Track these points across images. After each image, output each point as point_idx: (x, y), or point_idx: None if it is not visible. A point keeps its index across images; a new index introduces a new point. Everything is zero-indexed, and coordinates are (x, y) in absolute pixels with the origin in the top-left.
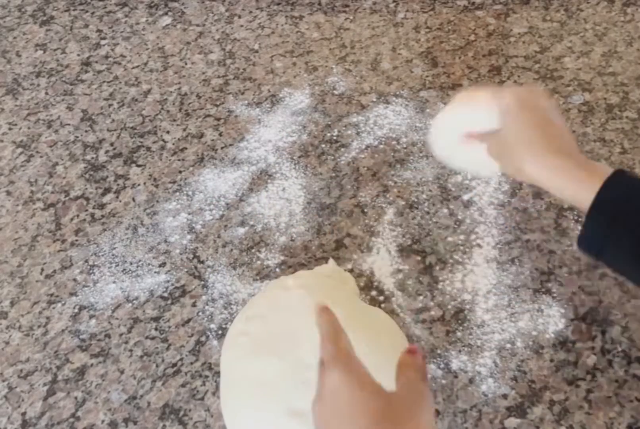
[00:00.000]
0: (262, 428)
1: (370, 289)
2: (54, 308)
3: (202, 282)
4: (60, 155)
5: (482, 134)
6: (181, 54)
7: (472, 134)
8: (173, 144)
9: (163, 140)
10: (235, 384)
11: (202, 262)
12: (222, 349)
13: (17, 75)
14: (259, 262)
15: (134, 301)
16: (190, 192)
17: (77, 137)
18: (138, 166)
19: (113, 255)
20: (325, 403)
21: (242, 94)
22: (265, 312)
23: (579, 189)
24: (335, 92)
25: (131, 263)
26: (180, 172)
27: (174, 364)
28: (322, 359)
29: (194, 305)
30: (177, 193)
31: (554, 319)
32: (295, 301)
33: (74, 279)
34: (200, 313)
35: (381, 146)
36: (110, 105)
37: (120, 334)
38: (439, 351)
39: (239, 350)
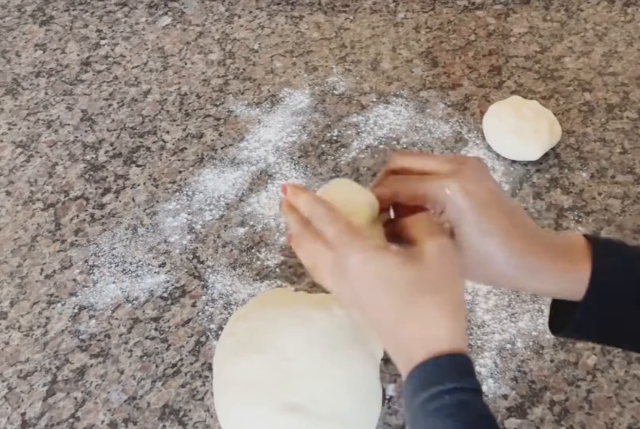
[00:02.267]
0: (258, 426)
1: None
2: (53, 308)
3: (202, 283)
4: (59, 155)
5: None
6: (181, 54)
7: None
8: (173, 144)
9: (163, 140)
10: (225, 385)
11: (202, 262)
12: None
13: (16, 75)
14: (258, 262)
15: (134, 301)
16: (190, 193)
17: (77, 137)
18: (138, 166)
19: (113, 255)
20: (350, 283)
21: (242, 94)
22: (248, 311)
23: (566, 286)
24: (335, 92)
25: (131, 263)
26: (180, 172)
27: (174, 365)
28: (332, 244)
29: (193, 305)
30: (177, 193)
31: None
32: (274, 295)
33: (74, 280)
34: (200, 313)
35: (381, 146)
36: (110, 105)
37: (120, 335)
38: None
39: (225, 352)
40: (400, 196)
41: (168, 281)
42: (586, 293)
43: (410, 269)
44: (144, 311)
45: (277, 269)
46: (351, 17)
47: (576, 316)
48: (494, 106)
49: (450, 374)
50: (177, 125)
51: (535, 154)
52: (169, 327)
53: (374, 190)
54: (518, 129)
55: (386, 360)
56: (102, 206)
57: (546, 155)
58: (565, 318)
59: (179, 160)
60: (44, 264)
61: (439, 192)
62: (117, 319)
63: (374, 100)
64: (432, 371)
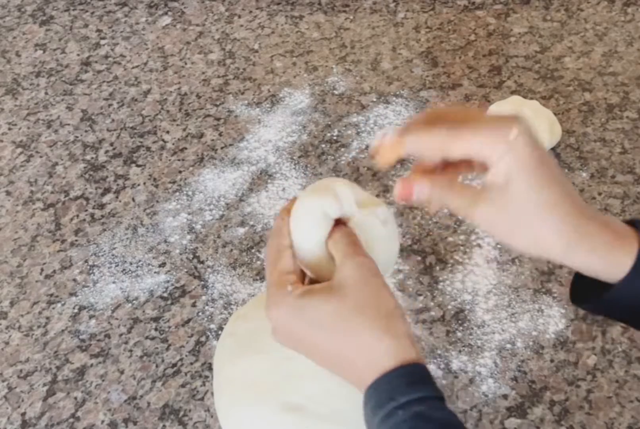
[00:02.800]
0: (258, 426)
1: None
2: (53, 308)
3: (202, 283)
4: (60, 155)
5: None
6: (181, 54)
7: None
8: (173, 144)
9: (163, 140)
10: (226, 385)
11: (202, 262)
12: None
13: (16, 75)
14: (258, 262)
15: (134, 301)
16: (190, 193)
17: (77, 137)
18: (138, 166)
19: (113, 255)
20: (285, 336)
21: (242, 94)
22: (248, 311)
23: (612, 258)
24: (335, 92)
25: (131, 263)
26: (180, 172)
27: (174, 365)
28: (335, 256)
29: (193, 305)
30: (177, 193)
31: (554, 320)
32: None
33: (74, 279)
34: (200, 313)
35: None
36: (110, 105)
37: (120, 335)
38: (439, 352)
39: (225, 351)
40: (436, 149)
41: (168, 281)
42: (630, 270)
43: (332, 302)
44: (144, 311)
45: None
46: (351, 17)
47: (611, 294)
48: (494, 106)
49: (399, 387)
50: (177, 125)
51: None
52: (169, 327)
53: (402, 139)
54: None
55: None
56: (102, 206)
57: None
58: (592, 292)
59: (179, 160)
60: (44, 264)
61: (498, 140)
62: (117, 319)
63: (374, 100)
64: (382, 389)
